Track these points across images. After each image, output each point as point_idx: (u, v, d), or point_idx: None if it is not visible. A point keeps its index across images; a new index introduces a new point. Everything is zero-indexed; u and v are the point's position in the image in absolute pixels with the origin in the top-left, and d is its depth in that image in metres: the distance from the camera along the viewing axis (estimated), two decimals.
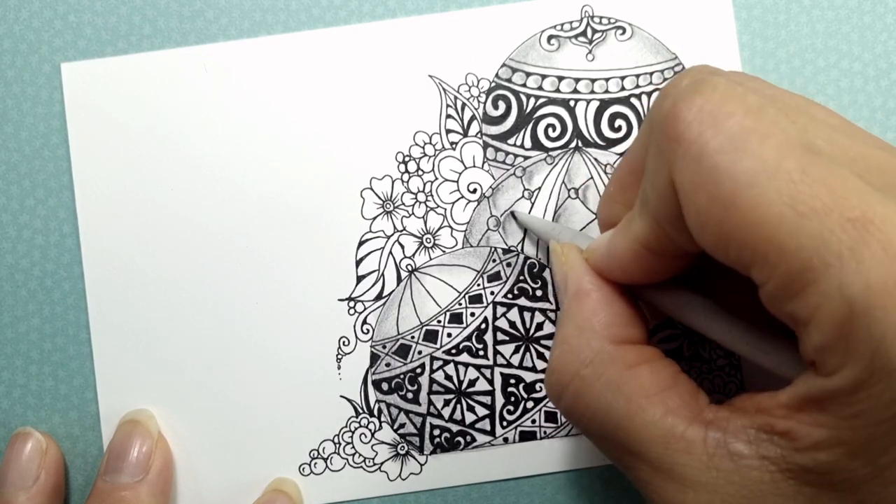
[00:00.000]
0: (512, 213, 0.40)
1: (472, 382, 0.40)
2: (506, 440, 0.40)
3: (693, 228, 0.26)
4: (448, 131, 0.40)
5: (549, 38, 0.41)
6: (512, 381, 0.40)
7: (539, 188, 0.40)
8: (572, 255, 0.34)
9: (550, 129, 0.40)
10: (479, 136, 0.40)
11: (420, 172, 0.40)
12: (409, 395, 0.40)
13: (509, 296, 0.40)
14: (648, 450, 0.29)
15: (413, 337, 0.40)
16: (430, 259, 0.40)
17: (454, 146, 0.40)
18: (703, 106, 0.26)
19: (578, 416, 0.31)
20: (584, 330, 0.31)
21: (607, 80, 0.40)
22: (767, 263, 0.25)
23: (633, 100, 0.40)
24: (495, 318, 0.40)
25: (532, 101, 0.40)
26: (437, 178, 0.40)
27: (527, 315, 0.40)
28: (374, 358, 0.40)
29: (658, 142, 0.27)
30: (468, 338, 0.40)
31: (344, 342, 0.40)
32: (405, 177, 0.40)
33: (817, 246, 0.24)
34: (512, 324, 0.40)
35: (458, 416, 0.40)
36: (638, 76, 0.40)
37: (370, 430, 0.40)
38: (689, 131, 0.26)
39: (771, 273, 0.25)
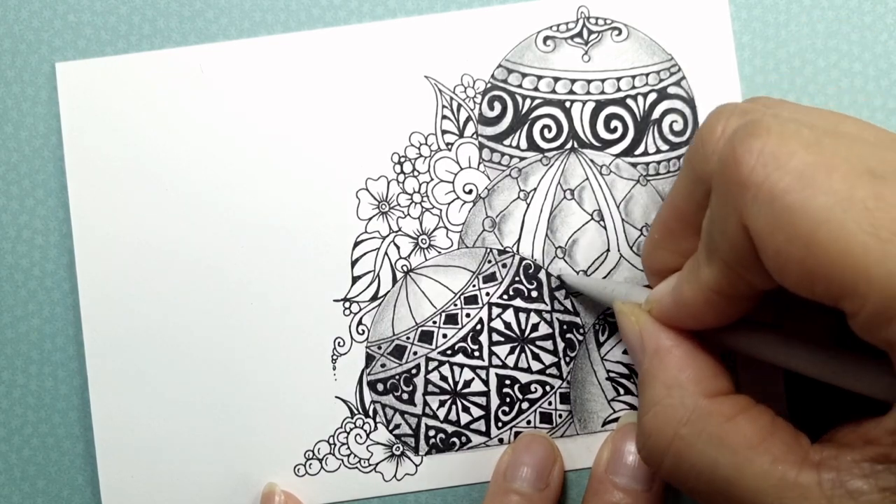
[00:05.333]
0: (560, 278, 0.40)
1: (468, 383, 0.40)
2: (501, 441, 0.40)
3: (773, 270, 0.26)
4: (444, 132, 0.40)
5: (545, 38, 0.40)
6: (507, 382, 0.40)
7: (534, 189, 0.40)
8: (640, 313, 0.33)
9: (546, 130, 0.40)
10: (474, 136, 0.40)
11: (416, 173, 0.40)
12: (405, 396, 0.40)
13: (505, 297, 0.40)
14: (763, 501, 0.28)
15: (408, 338, 0.40)
16: (426, 260, 0.40)
17: (450, 147, 0.40)
18: (762, 148, 0.26)
19: (683, 477, 0.30)
20: (673, 388, 0.31)
21: (603, 81, 0.40)
22: (857, 294, 0.25)
23: (628, 101, 0.40)
24: (490, 319, 0.40)
25: (528, 102, 0.40)
26: (432, 179, 0.40)
27: (522, 316, 0.40)
28: (370, 359, 0.40)
29: (723, 189, 0.27)
30: (463, 339, 0.40)
31: (339, 343, 0.40)
32: (401, 177, 0.40)
33: None
34: (507, 325, 0.40)
35: (453, 416, 0.40)
36: (634, 77, 0.40)
37: (365, 431, 0.40)
38: (755, 175, 0.26)
39: (862, 303, 0.25)
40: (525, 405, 0.40)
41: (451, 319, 0.40)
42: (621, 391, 0.40)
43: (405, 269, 0.40)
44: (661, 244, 0.33)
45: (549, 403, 0.40)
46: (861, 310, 0.25)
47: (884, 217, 0.24)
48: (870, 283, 0.24)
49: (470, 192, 0.40)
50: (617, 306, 0.35)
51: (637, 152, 0.40)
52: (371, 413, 0.40)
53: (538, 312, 0.40)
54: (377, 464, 0.40)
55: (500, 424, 0.40)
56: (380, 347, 0.40)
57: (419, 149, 0.40)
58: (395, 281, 0.40)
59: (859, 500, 0.27)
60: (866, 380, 0.28)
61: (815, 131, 0.27)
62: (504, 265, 0.40)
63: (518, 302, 0.40)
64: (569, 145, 0.40)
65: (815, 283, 0.25)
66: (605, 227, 0.40)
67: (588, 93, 0.40)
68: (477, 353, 0.40)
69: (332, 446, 0.40)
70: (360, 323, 0.40)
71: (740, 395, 0.31)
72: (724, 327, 0.31)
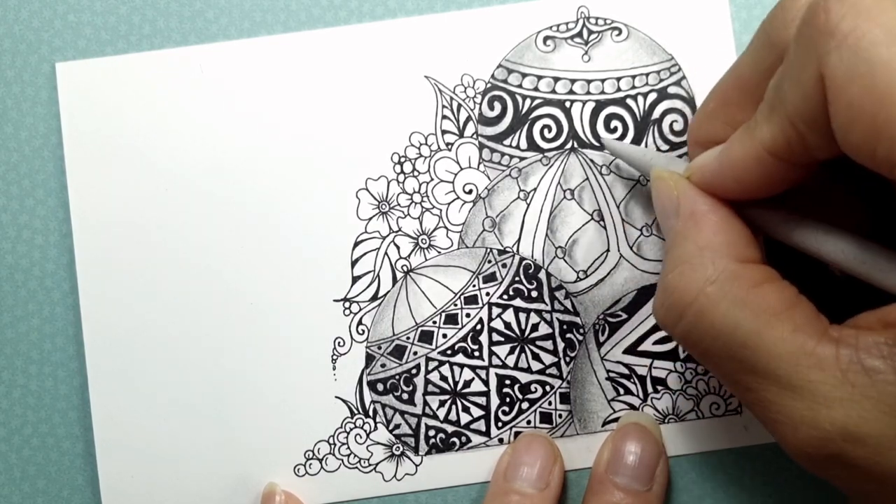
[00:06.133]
0: (601, 141, 0.40)
1: (468, 383, 0.40)
2: (501, 441, 0.40)
3: (841, 125, 0.26)
4: (444, 132, 0.40)
5: (545, 38, 0.40)
6: (507, 381, 0.40)
7: (535, 189, 0.40)
8: (680, 179, 0.33)
9: (546, 130, 0.40)
10: (474, 136, 0.40)
11: (416, 173, 0.40)
12: (405, 396, 0.40)
13: (505, 297, 0.40)
14: (778, 367, 0.28)
15: (408, 338, 0.40)
16: (426, 260, 0.40)
17: (450, 147, 0.40)
18: (854, 0, 0.26)
19: (700, 335, 0.30)
20: (705, 249, 0.31)
21: (603, 81, 0.40)
22: None
23: (628, 101, 0.40)
24: (490, 319, 0.40)
25: (528, 102, 0.40)
26: (432, 179, 0.40)
27: (522, 316, 0.40)
28: (370, 359, 0.40)
29: (806, 36, 0.27)
30: (463, 339, 0.40)
31: (339, 343, 0.40)
32: (401, 177, 0.40)
33: None
34: (507, 325, 0.40)
35: (453, 416, 0.40)
36: (634, 77, 0.40)
37: (365, 431, 0.40)
38: (844, 23, 0.25)
39: None
40: (525, 405, 0.40)
41: (451, 319, 0.40)
42: (621, 391, 0.40)
43: (405, 269, 0.40)
44: (714, 114, 0.33)
45: (549, 403, 0.40)
46: None
47: None
48: None
49: (470, 192, 0.40)
50: (655, 172, 0.35)
51: None
52: (371, 413, 0.40)
53: (538, 312, 0.40)
54: (377, 464, 0.40)
55: (500, 424, 0.40)
56: (380, 347, 0.40)
57: (419, 149, 0.40)
58: (395, 281, 0.40)
59: (874, 378, 0.27)
60: (892, 274, 0.29)
61: None
62: (504, 265, 0.40)
63: (518, 302, 0.40)
64: (569, 145, 0.40)
65: (880, 143, 0.25)
66: (604, 227, 0.40)
67: (588, 93, 0.40)
68: (477, 353, 0.40)
69: (332, 446, 0.40)
70: (360, 323, 0.40)
71: (769, 267, 0.31)
72: (762, 203, 0.31)
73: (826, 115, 0.26)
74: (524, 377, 0.40)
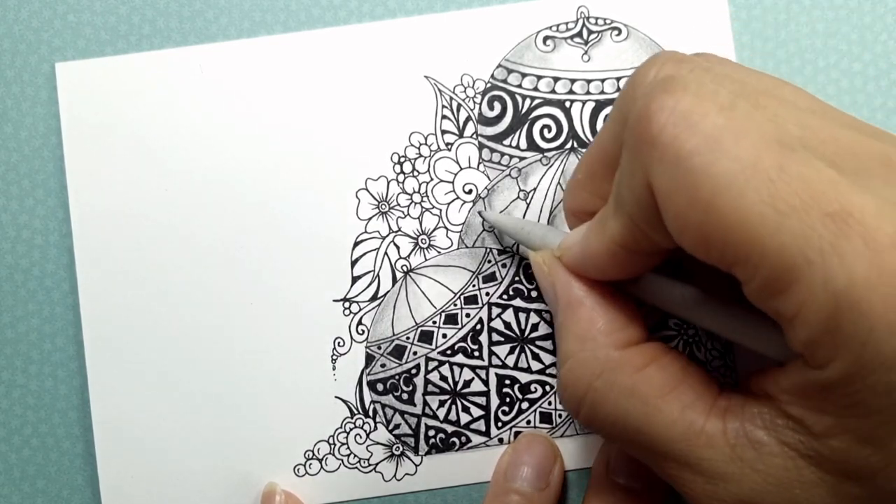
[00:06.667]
0: (479, 213, 0.40)
1: (468, 383, 0.40)
2: (501, 441, 0.40)
3: (672, 230, 0.26)
4: (443, 132, 0.40)
5: (545, 38, 0.40)
6: (507, 381, 0.40)
7: (534, 189, 0.40)
8: (553, 263, 0.34)
9: (546, 130, 0.40)
10: (474, 136, 0.40)
11: (415, 173, 0.40)
12: (404, 396, 0.40)
13: (504, 297, 0.40)
14: (672, 448, 0.29)
15: (408, 338, 0.40)
16: (426, 260, 0.40)
17: (449, 147, 0.40)
18: (675, 107, 0.26)
19: (598, 426, 0.31)
20: (586, 341, 0.31)
21: (603, 80, 0.40)
22: (750, 263, 0.25)
23: None
24: (490, 319, 0.40)
25: (527, 101, 0.40)
26: (432, 179, 0.40)
27: (522, 316, 0.40)
28: (369, 359, 0.40)
29: (632, 145, 0.27)
30: (463, 339, 0.40)
31: (339, 343, 0.40)
32: (400, 177, 0.40)
33: (799, 244, 0.23)
34: (507, 325, 0.40)
35: (453, 416, 0.40)
36: None
37: (365, 431, 0.40)
38: (664, 135, 0.26)
39: (754, 272, 0.25)
40: (525, 405, 0.40)
41: (451, 319, 0.40)
42: None
43: (405, 269, 0.40)
44: (583, 185, 0.33)
45: (549, 403, 0.40)
46: (752, 279, 0.25)
47: (784, 189, 0.24)
48: (763, 254, 0.24)
49: (470, 192, 0.40)
50: (530, 256, 0.35)
51: None
52: (371, 413, 0.40)
53: (538, 312, 0.40)
54: (377, 464, 0.40)
55: (500, 424, 0.40)
56: (380, 347, 0.40)
57: (419, 149, 0.40)
58: (394, 281, 0.40)
59: (760, 451, 0.27)
60: (761, 340, 0.29)
61: (736, 94, 0.26)
62: (504, 265, 0.40)
63: (518, 302, 0.40)
64: (568, 145, 0.40)
65: (711, 248, 0.25)
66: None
67: (588, 93, 0.40)
68: (477, 353, 0.40)
69: (332, 446, 0.40)
70: (359, 323, 0.40)
71: (652, 344, 0.31)
72: (633, 279, 0.32)
73: (661, 217, 0.27)
74: (524, 377, 0.40)
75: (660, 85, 0.27)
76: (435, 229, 0.40)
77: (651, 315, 0.36)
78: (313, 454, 0.40)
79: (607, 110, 0.40)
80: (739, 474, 0.27)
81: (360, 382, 0.40)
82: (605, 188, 0.32)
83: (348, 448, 0.40)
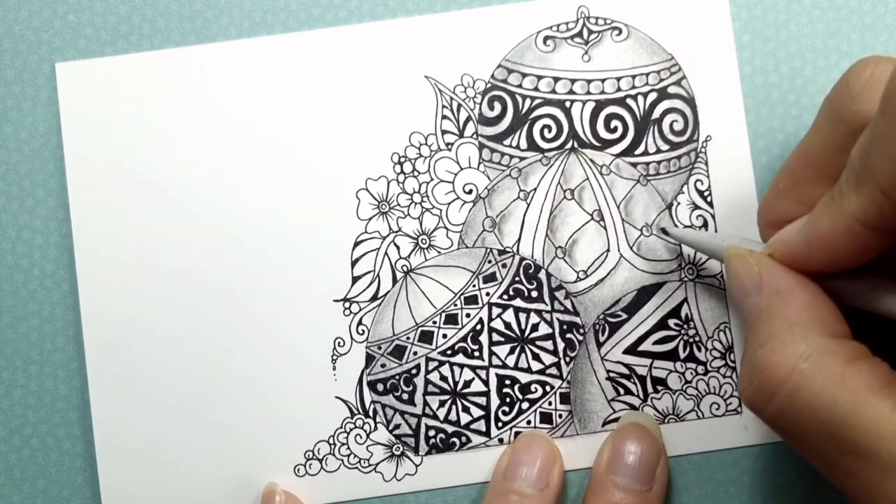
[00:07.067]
0: (663, 230, 0.40)
1: (468, 383, 0.40)
2: (501, 441, 0.40)
3: None
4: (444, 132, 0.40)
5: (545, 38, 0.40)
6: (507, 382, 0.40)
7: (534, 189, 0.40)
8: (760, 255, 0.33)
9: (546, 130, 0.40)
10: (474, 136, 0.40)
11: (416, 173, 0.40)
12: (405, 396, 0.40)
13: (505, 297, 0.40)
14: (880, 448, 0.27)
15: (408, 338, 0.40)
16: (426, 260, 0.40)
17: (450, 147, 0.40)
18: None
19: (795, 414, 0.29)
20: (796, 325, 0.30)
21: (603, 80, 0.40)
22: None
23: (628, 101, 0.40)
24: (490, 319, 0.40)
25: (528, 101, 0.40)
26: (432, 179, 0.40)
27: (522, 316, 0.40)
28: (370, 359, 0.40)
29: (893, 108, 0.26)
30: (463, 339, 0.40)
31: (339, 343, 0.40)
32: (401, 177, 0.40)
33: None
34: (507, 325, 0.40)
35: (453, 416, 0.40)
36: (634, 77, 0.40)
37: (365, 431, 0.40)
38: None
39: None
40: (525, 405, 0.40)
41: (451, 319, 0.40)
42: (621, 391, 0.40)
43: (405, 269, 0.40)
44: (786, 193, 0.33)
45: (549, 403, 0.40)
46: None
47: None
48: None
49: (470, 192, 0.40)
50: (731, 251, 0.34)
51: (637, 152, 0.40)
52: (371, 413, 0.40)
53: (538, 312, 0.40)
54: (377, 464, 0.40)
55: (500, 424, 0.40)
56: (380, 347, 0.40)
57: (419, 149, 0.40)
58: (395, 281, 0.40)
59: None
60: None
61: None
62: (504, 265, 0.40)
63: (518, 302, 0.40)
64: (569, 145, 0.40)
65: None
66: (605, 227, 0.40)
67: (588, 93, 0.40)
68: (477, 353, 0.40)
69: (332, 446, 0.40)
70: (360, 323, 0.40)
71: (860, 343, 0.30)
72: (845, 275, 0.31)
73: None
74: (524, 377, 0.40)
75: None
76: (435, 229, 0.40)
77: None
78: (313, 454, 0.40)
79: (608, 110, 0.40)
80: None
81: (360, 382, 0.40)
82: (811, 193, 0.32)
83: (348, 448, 0.40)
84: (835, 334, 0.30)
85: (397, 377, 0.40)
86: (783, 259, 0.32)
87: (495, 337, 0.40)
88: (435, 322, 0.40)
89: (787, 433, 0.30)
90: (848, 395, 0.28)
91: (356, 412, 0.40)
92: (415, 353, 0.40)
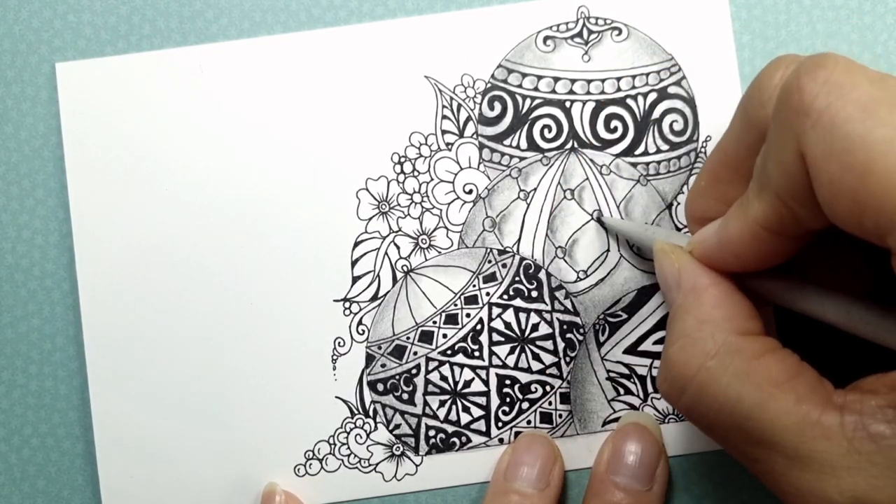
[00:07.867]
0: (599, 220, 0.40)
1: (468, 383, 0.40)
2: (501, 441, 0.40)
3: (824, 200, 0.26)
4: (444, 132, 0.40)
5: (545, 38, 0.40)
6: (507, 381, 0.40)
7: (535, 189, 0.40)
8: (681, 252, 0.34)
9: (546, 130, 0.40)
10: (474, 136, 0.40)
11: (416, 173, 0.40)
12: (405, 396, 0.40)
13: (505, 297, 0.40)
14: (783, 439, 0.28)
15: (408, 338, 0.40)
16: (426, 260, 0.40)
17: (450, 147, 0.40)
18: (828, 78, 0.26)
19: (704, 409, 0.30)
20: (705, 323, 0.31)
21: (603, 80, 0.40)
22: None
23: (629, 101, 0.40)
24: (491, 319, 0.40)
25: (528, 101, 0.40)
26: (432, 179, 0.40)
27: (522, 316, 0.40)
28: (370, 359, 0.40)
29: (783, 116, 0.27)
30: (464, 339, 0.40)
31: (339, 343, 0.40)
32: (401, 177, 0.40)
33: None
34: (507, 325, 0.40)
35: (453, 416, 0.40)
36: (634, 77, 0.40)
37: (365, 431, 0.40)
38: (818, 102, 0.26)
39: None
40: (525, 405, 0.40)
41: (451, 319, 0.40)
42: (621, 391, 0.40)
43: (405, 269, 0.40)
44: (706, 192, 0.34)
45: (549, 403, 0.40)
46: None
47: None
48: None
49: (470, 192, 0.40)
50: (657, 245, 0.35)
51: (637, 152, 0.40)
52: (371, 413, 0.40)
53: (538, 312, 0.40)
54: (377, 464, 0.40)
55: (500, 424, 0.40)
56: (380, 347, 0.40)
57: (419, 149, 0.40)
58: (395, 281, 0.40)
59: (881, 444, 0.27)
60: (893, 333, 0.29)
61: (881, 73, 0.27)
62: (504, 265, 0.40)
63: (518, 302, 0.40)
64: (569, 145, 0.40)
65: (865, 215, 0.25)
66: (605, 227, 0.40)
67: (588, 93, 0.40)
68: (477, 353, 0.40)
69: (332, 446, 0.40)
70: (360, 323, 0.40)
71: (769, 337, 0.31)
72: (761, 274, 0.32)
73: (811, 190, 0.27)
74: (524, 377, 0.40)
75: (809, 60, 0.27)
76: (435, 229, 0.40)
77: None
78: (313, 454, 0.40)
79: (608, 110, 0.40)
80: (856, 468, 0.27)
81: (360, 382, 0.40)
82: (729, 193, 0.32)
83: (348, 448, 0.40)
84: (744, 331, 0.31)
85: (397, 377, 0.40)
86: (700, 258, 0.33)
87: (495, 337, 0.40)
88: (435, 322, 0.40)
89: (700, 425, 0.31)
90: (753, 390, 0.29)
91: (356, 412, 0.40)
92: (415, 353, 0.40)
